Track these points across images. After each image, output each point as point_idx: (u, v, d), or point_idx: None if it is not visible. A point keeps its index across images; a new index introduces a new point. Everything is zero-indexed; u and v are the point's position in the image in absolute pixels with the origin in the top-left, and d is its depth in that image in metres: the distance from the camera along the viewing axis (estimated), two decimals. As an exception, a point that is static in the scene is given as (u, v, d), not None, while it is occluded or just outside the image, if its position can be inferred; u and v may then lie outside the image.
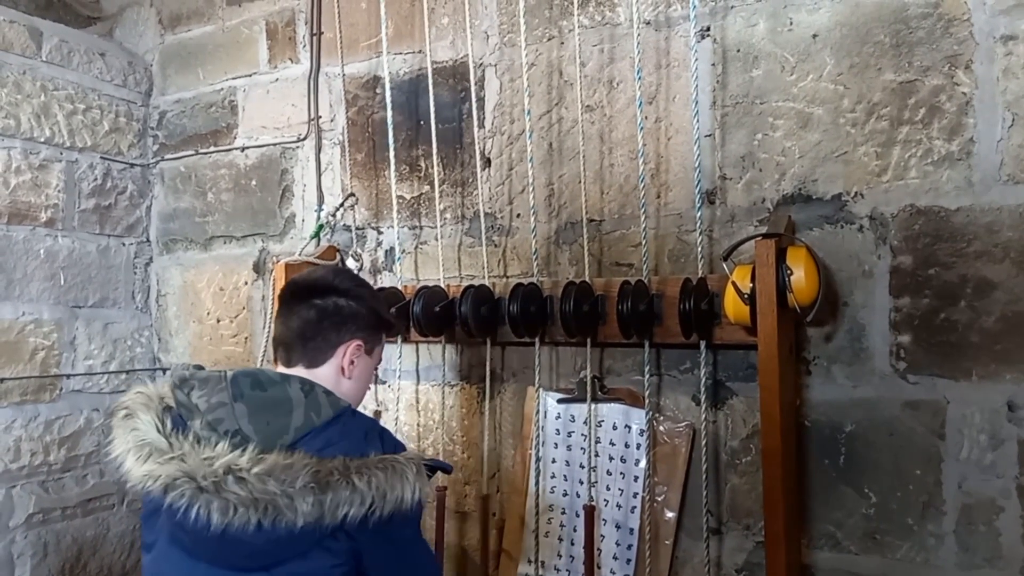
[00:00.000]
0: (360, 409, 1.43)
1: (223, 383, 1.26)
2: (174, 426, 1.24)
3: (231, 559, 1.19)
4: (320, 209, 2.32)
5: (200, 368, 1.34)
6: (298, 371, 1.37)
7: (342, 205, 2.27)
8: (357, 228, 2.29)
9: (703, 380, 1.69)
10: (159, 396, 1.30)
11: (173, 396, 1.27)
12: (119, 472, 1.23)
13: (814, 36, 1.65)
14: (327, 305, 1.38)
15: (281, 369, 1.40)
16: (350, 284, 1.44)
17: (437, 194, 2.09)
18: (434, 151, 2.07)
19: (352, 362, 1.39)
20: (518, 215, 2.02)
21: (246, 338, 2.51)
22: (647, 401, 1.77)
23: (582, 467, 1.86)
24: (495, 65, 2.07)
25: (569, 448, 1.91)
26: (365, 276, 2.22)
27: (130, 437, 1.23)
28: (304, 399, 1.26)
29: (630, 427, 1.83)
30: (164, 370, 2.71)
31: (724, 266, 1.58)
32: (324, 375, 1.36)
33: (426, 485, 1.23)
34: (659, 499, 1.78)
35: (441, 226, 2.09)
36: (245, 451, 1.17)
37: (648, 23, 1.84)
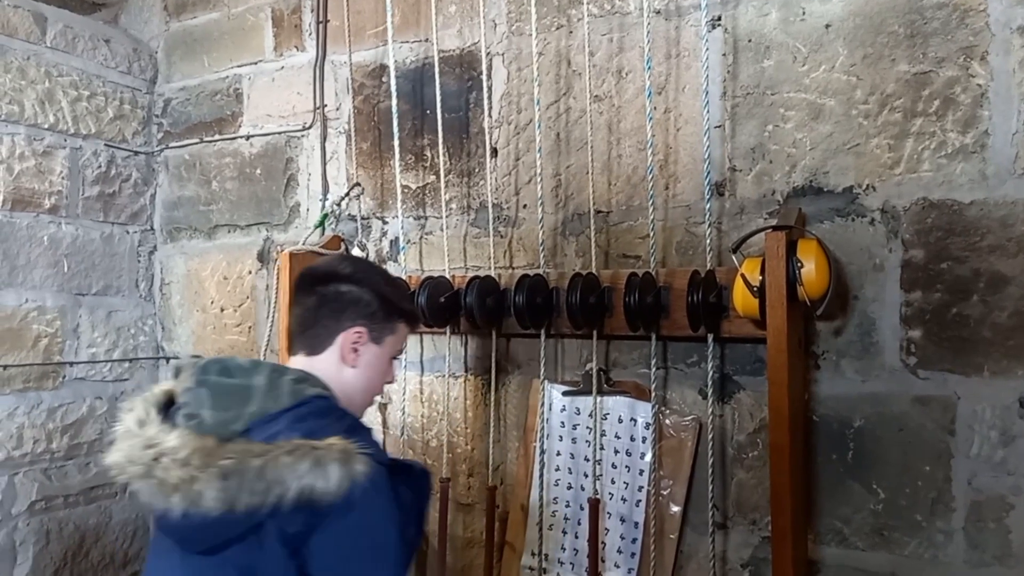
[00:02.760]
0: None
1: (193, 369, 1.25)
2: (160, 415, 1.22)
3: (184, 543, 1.18)
4: (325, 198, 2.31)
5: (195, 357, 1.33)
6: (298, 360, 1.35)
7: (347, 194, 2.26)
8: (362, 218, 2.27)
9: (710, 374, 1.68)
10: (165, 390, 1.29)
11: (173, 385, 1.28)
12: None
13: (827, 26, 1.63)
14: (328, 292, 1.36)
15: (287, 358, 1.38)
16: (353, 270, 1.40)
17: (443, 184, 2.07)
18: (440, 141, 2.05)
19: (355, 350, 1.35)
20: (524, 206, 2.00)
21: (250, 327, 2.50)
22: (653, 394, 1.75)
23: (587, 460, 1.85)
24: (503, 54, 2.05)
25: (574, 441, 1.90)
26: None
27: (119, 429, 1.22)
28: (266, 387, 1.22)
29: (636, 420, 1.82)
30: (167, 359, 2.70)
31: (733, 258, 1.56)
32: (324, 364, 1.34)
33: (355, 477, 1.10)
34: (664, 493, 1.77)
35: (447, 216, 2.08)
36: (183, 435, 1.14)
37: (658, 12, 1.82)
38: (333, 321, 1.35)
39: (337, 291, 1.36)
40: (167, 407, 1.25)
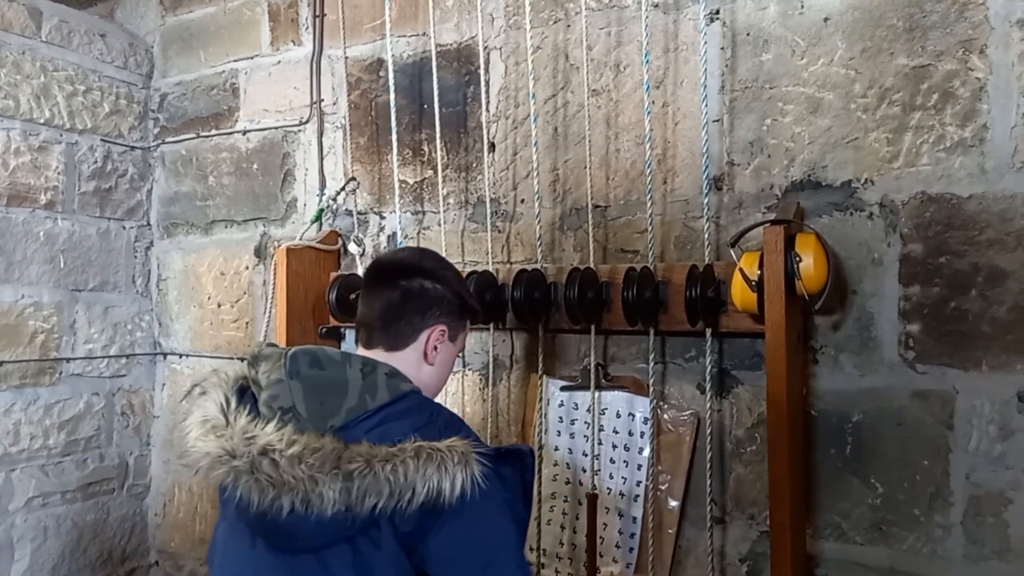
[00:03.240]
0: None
1: (282, 360, 1.21)
2: (240, 403, 1.21)
3: (277, 541, 1.16)
4: (322, 193, 2.30)
5: (273, 345, 1.29)
6: (377, 354, 1.31)
7: (343, 189, 2.25)
8: (359, 213, 2.27)
9: (709, 368, 1.68)
10: (237, 375, 1.27)
11: (248, 373, 1.25)
12: (184, 450, 1.19)
13: (825, 19, 1.63)
14: (412, 287, 1.33)
15: (361, 351, 1.34)
16: (435, 265, 1.38)
17: (440, 179, 2.06)
18: (437, 135, 2.04)
19: (436, 348, 1.33)
20: (522, 200, 1.99)
21: (247, 323, 2.49)
22: (651, 389, 1.75)
23: (585, 455, 1.85)
24: (500, 48, 2.04)
25: (572, 436, 1.89)
26: (367, 262, 2.20)
27: (197, 414, 1.20)
28: (361, 380, 1.20)
29: (634, 415, 1.82)
30: (164, 355, 2.70)
31: (731, 253, 1.56)
32: (405, 359, 1.31)
33: (475, 479, 1.11)
34: (663, 488, 1.77)
35: (444, 211, 2.07)
36: (285, 431, 1.13)
37: (656, 6, 1.81)
38: (419, 317, 1.32)
39: (422, 287, 1.33)
40: (241, 394, 1.23)
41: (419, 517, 1.11)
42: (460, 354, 1.44)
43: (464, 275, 1.86)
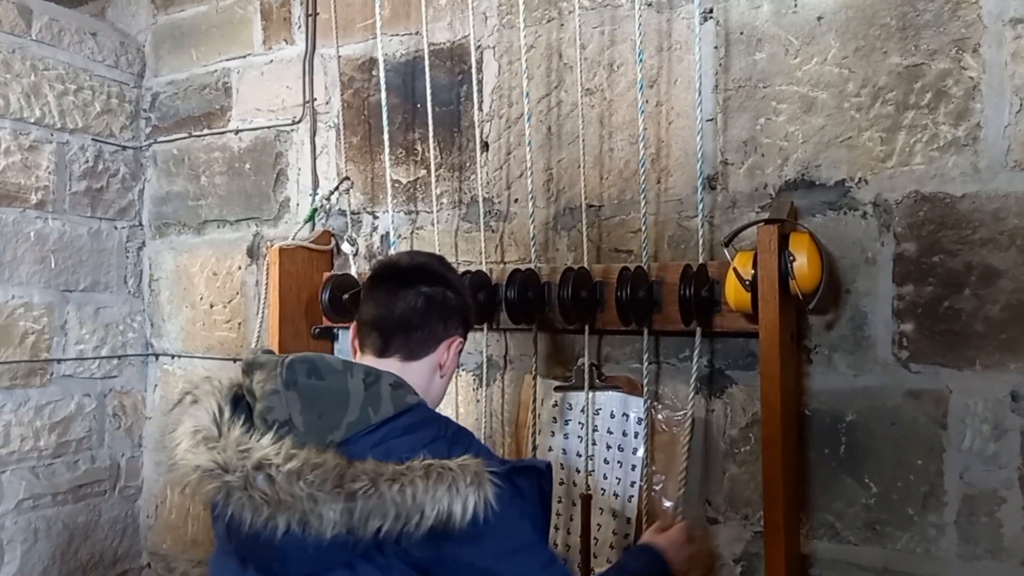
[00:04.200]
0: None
1: (278, 368, 1.13)
2: (234, 413, 1.13)
3: (270, 564, 1.09)
4: (315, 193, 2.29)
5: (269, 352, 1.21)
6: (391, 362, 1.25)
7: (336, 189, 2.24)
8: (352, 213, 2.26)
9: (700, 368, 1.67)
10: (232, 382, 1.19)
11: (242, 381, 1.17)
12: (173, 462, 1.11)
13: (819, 18, 1.62)
14: (435, 294, 1.27)
15: (368, 357, 1.28)
16: (455, 275, 1.36)
17: (434, 178, 2.06)
18: (431, 135, 2.04)
19: (451, 359, 1.31)
20: (516, 200, 1.99)
21: (239, 323, 2.48)
22: (645, 389, 1.75)
23: (579, 455, 1.84)
24: (493, 47, 2.03)
25: (566, 436, 1.89)
26: (360, 262, 2.19)
27: (188, 424, 1.12)
28: (364, 392, 1.13)
29: (628, 415, 1.81)
30: (156, 355, 2.68)
31: (725, 252, 1.55)
32: (419, 370, 1.26)
33: (488, 501, 1.04)
34: (657, 488, 1.76)
35: (438, 211, 2.06)
36: (282, 444, 1.05)
37: (650, 5, 1.80)
38: (441, 327, 1.28)
39: (444, 295, 1.29)
40: (235, 403, 1.16)
41: (429, 542, 1.04)
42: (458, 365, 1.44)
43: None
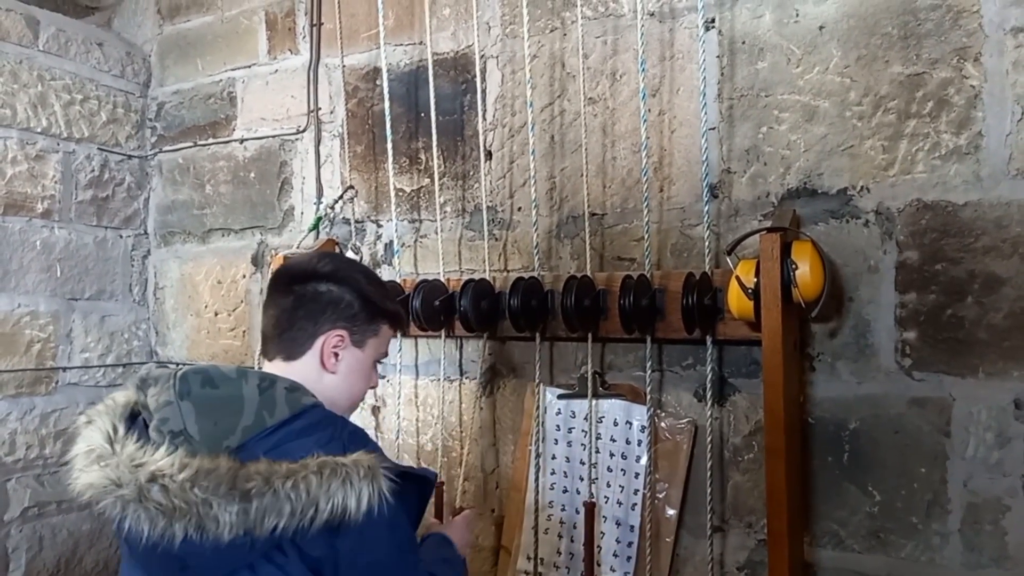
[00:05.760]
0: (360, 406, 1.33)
1: (171, 380, 1.14)
2: (129, 430, 1.12)
3: (173, 574, 1.08)
4: (319, 202, 2.30)
5: (163, 366, 1.24)
6: (276, 365, 1.26)
7: (341, 198, 2.25)
8: (356, 221, 2.27)
9: (707, 376, 1.67)
10: (128, 400, 1.18)
11: (136, 398, 1.17)
12: (68, 483, 1.12)
13: (821, 28, 1.63)
14: (305, 292, 1.26)
15: (263, 363, 1.29)
16: (333, 268, 1.30)
17: (437, 187, 2.07)
18: (434, 143, 2.05)
19: (336, 355, 1.26)
20: (519, 208, 2.00)
21: (244, 331, 2.49)
22: (648, 397, 1.75)
23: (582, 463, 1.84)
24: (497, 57, 2.04)
25: (569, 444, 1.89)
26: (364, 269, 2.20)
27: (81, 444, 1.13)
28: (259, 396, 1.12)
29: (631, 423, 1.81)
30: (161, 364, 2.69)
31: (728, 260, 1.56)
32: (303, 369, 1.24)
33: (382, 494, 1.06)
34: (660, 496, 1.76)
35: (441, 219, 2.07)
36: (176, 455, 1.05)
37: (652, 14, 1.81)
38: (311, 324, 1.25)
39: (316, 291, 1.26)
40: (132, 420, 1.15)
41: (325, 537, 1.05)
42: (381, 361, 1.36)
43: (461, 283, 1.86)
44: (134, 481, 1.03)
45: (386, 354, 1.38)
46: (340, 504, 1.04)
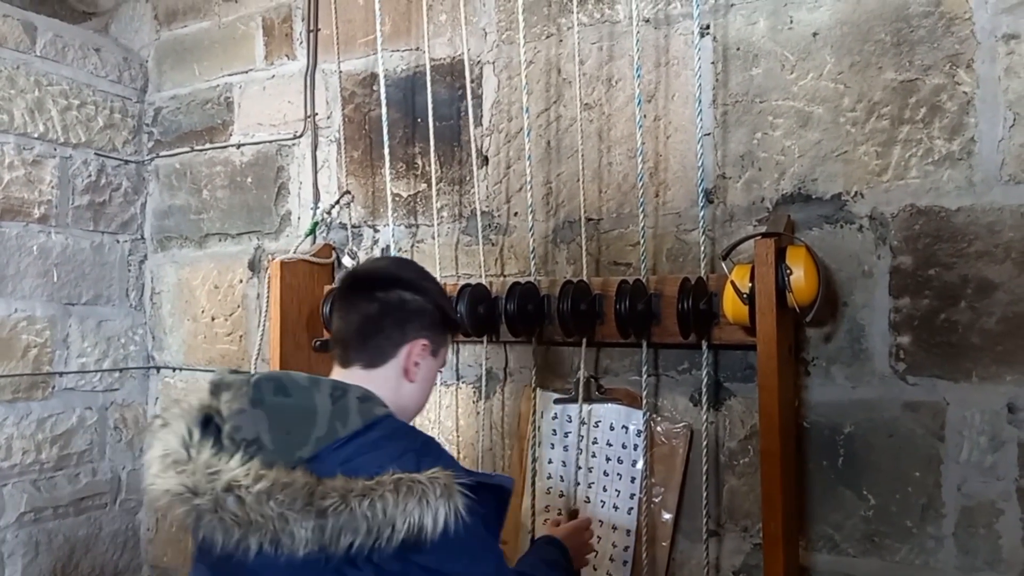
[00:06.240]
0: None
1: (245, 387, 1.14)
2: (203, 435, 1.12)
3: None
4: (316, 207, 2.31)
5: (236, 372, 1.21)
6: (354, 372, 1.25)
7: (337, 203, 2.26)
8: (353, 226, 2.27)
9: (703, 380, 1.68)
10: (201, 404, 1.18)
11: (210, 402, 1.17)
12: (144, 486, 1.11)
13: (814, 34, 1.64)
14: (390, 299, 1.25)
15: (336, 370, 1.28)
16: (415, 276, 1.31)
17: (434, 192, 2.07)
18: (431, 149, 2.06)
19: (417, 363, 1.27)
20: (516, 214, 2.00)
21: (241, 336, 2.49)
22: (645, 402, 1.75)
23: (579, 468, 1.85)
24: (493, 62, 2.05)
25: (566, 448, 1.89)
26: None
27: (157, 448, 1.12)
28: (331, 407, 1.12)
29: (627, 428, 1.82)
30: (158, 368, 2.69)
31: (723, 265, 1.57)
32: (384, 377, 1.24)
33: (459, 512, 1.05)
34: (656, 500, 1.77)
35: (438, 224, 2.08)
36: (251, 465, 1.05)
37: (647, 21, 1.82)
38: (398, 332, 1.25)
39: (401, 299, 1.26)
40: (205, 425, 1.15)
41: (401, 555, 1.04)
42: (441, 370, 1.38)
43: (457, 288, 1.87)
44: (211, 490, 1.04)
45: (445, 363, 1.39)
46: (416, 523, 1.03)
